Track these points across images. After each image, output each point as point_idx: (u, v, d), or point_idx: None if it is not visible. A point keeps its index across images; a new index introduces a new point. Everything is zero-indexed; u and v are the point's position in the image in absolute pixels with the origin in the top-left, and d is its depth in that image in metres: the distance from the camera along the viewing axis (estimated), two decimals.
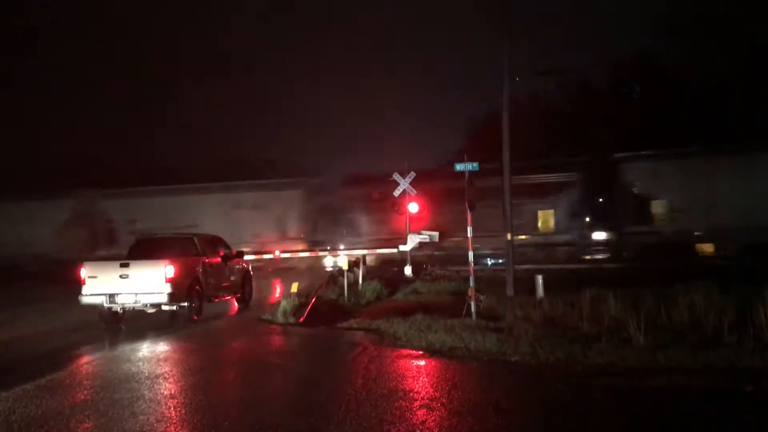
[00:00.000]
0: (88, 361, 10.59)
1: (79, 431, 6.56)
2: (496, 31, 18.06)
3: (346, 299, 17.65)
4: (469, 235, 14.58)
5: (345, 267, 19.24)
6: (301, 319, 14.40)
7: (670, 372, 8.32)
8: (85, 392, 8.18)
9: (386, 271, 28.95)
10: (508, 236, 17.79)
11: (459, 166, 14.28)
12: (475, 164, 14.14)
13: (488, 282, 19.04)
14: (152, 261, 14.05)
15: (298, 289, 16.79)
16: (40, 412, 7.15)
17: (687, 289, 13.19)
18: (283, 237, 33.25)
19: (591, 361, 9.04)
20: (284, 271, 31.04)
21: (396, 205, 28.06)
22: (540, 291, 15.29)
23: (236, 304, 17.99)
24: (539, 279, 15.56)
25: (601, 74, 34.22)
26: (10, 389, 8.20)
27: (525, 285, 16.77)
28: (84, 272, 14.06)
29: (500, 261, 29.83)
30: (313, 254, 33.68)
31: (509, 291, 16.88)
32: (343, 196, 34.55)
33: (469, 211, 13.90)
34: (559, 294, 14.41)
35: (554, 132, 32.04)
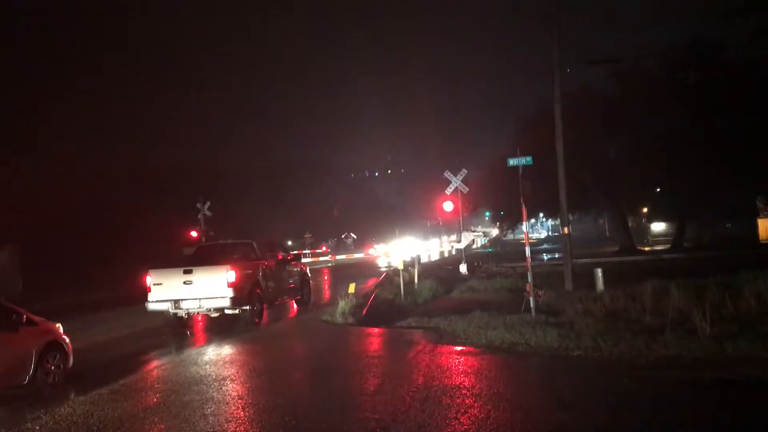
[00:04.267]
0: (157, 365, 10.95)
1: None
2: (546, 22, 17.91)
3: (402, 298, 17.75)
4: (524, 230, 14.49)
5: (400, 267, 19.34)
6: (360, 319, 14.55)
7: (740, 363, 8.14)
8: (157, 395, 8.46)
9: (441, 269, 28.95)
10: (565, 230, 17.59)
11: (512, 161, 14.20)
12: (529, 158, 14.05)
13: (546, 277, 18.88)
14: (214, 267, 14.40)
15: (355, 290, 16.96)
16: (116, 415, 7.44)
17: (753, 277, 12.84)
18: None
19: (656, 353, 8.90)
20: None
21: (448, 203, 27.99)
22: (600, 284, 15.10)
23: (295, 306, 18.28)
24: (598, 272, 15.37)
25: (654, 61, 33.34)
26: (87, 393, 8.58)
27: (584, 279, 16.57)
28: (150, 279, 14.50)
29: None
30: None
31: (568, 285, 16.71)
32: None
33: (523, 205, 13.82)
34: (620, 287, 14.20)
35: (609, 122, 31.41)
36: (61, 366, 9.68)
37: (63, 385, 9.44)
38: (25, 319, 9.19)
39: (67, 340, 9.96)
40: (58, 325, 10.01)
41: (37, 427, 7.08)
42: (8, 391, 8.92)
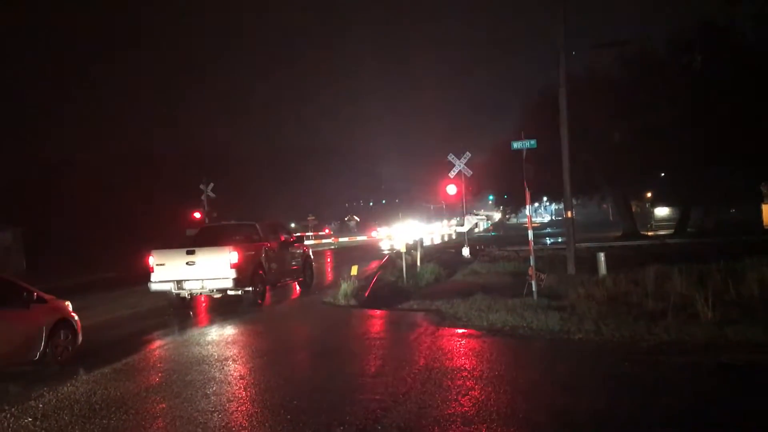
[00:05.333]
0: (159, 345, 10.99)
1: (156, 412, 6.82)
2: (551, 5, 17.77)
3: (405, 281, 17.77)
4: (528, 213, 14.47)
5: (403, 250, 19.34)
6: (362, 301, 14.59)
7: (741, 348, 8.14)
8: (159, 375, 8.50)
9: (444, 252, 28.96)
10: (569, 214, 17.56)
11: (516, 144, 14.12)
12: (533, 141, 13.96)
13: (549, 261, 18.87)
14: (217, 248, 14.41)
15: (358, 272, 16.98)
16: (118, 394, 7.47)
17: (756, 263, 12.82)
18: None
19: (657, 338, 8.91)
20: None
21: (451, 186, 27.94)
22: (602, 269, 15.10)
23: (298, 287, 18.32)
24: (601, 256, 15.36)
25: (659, 45, 33.09)
26: (90, 373, 8.63)
27: (586, 263, 16.56)
28: (152, 260, 14.52)
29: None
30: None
31: (570, 269, 16.70)
32: None
33: (527, 189, 13.77)
34: (622, 271, 14.19)
35: (613, 106, 31.21)
36: (70, 344, 9.81)
37: (72, 362, 9.54)
38: (36, 297, 9.33)
39: (76, 317, 10.10)
40: (68, 303, 10.13)
41: (41, 405, 7.11)
42: (18, 368, 9.05)
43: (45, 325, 9.26)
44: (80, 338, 10.06)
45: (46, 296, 9.63)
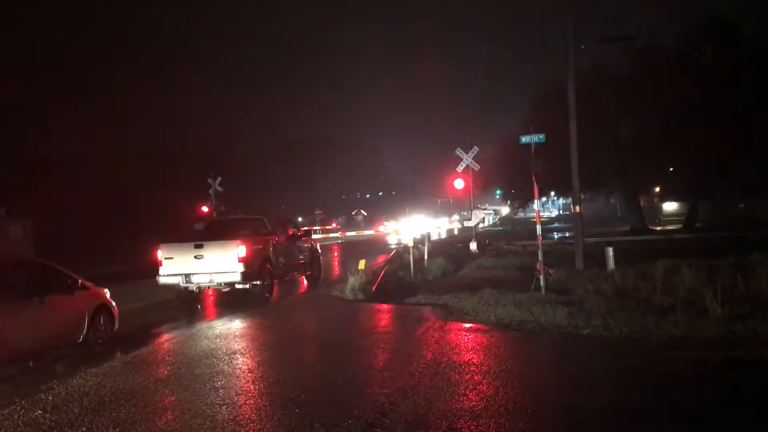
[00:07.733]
0: (168, 338, 11.03)
1: (164, 404, 6.84)
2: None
3: (412, 275, 17.77)
4: (536, 208, 14.42)
5: (410, 244, 19.31)
6: (370, 296, 14.59)
7: (751, 343, 8.10)
8: (168, 368, 8.53)
9: (451, 247, 28.94)
10: (577, 208, 17.51)
11: (524, 138, 14.08)
12: (542, 136, 13.91)
13: (556, 256, 18.83)
14: (225, 242, 14.42)
15: (365, 266, 16.97)
16: (127, 387, 7.50)
17: (766, 258, 12.76)
18: None
19: (666, 333, 8.88)
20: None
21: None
22: (610, 263, 15.07)
23: (306, 281, 18.34)
24: (609, 251, 15.32)
25: (669, 39, 32.86)
26: (99, 366, 8.67)
27: (594, 258, 16.51)
28: (161, 254, 14.55)
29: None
30: None
31: (578, 264, 16.67)
32: None
33: (535, 184, 13.72)
34: (631, 266, 14.15)
35: (622, 100, 31.02)
36: (109, 327, 10.45)
37: (110, 345, 10.16)
38: (80, 284, 10.03)
39: (114, 304, 10.71)
40: (106, 290, 10.74)
41: (50, 398, 7.15)
42: (64, 350, 9.67)
43: (87, 310, 9.93)
44: (117, 324, 10.70)
45: (88, 284, 10.27)
